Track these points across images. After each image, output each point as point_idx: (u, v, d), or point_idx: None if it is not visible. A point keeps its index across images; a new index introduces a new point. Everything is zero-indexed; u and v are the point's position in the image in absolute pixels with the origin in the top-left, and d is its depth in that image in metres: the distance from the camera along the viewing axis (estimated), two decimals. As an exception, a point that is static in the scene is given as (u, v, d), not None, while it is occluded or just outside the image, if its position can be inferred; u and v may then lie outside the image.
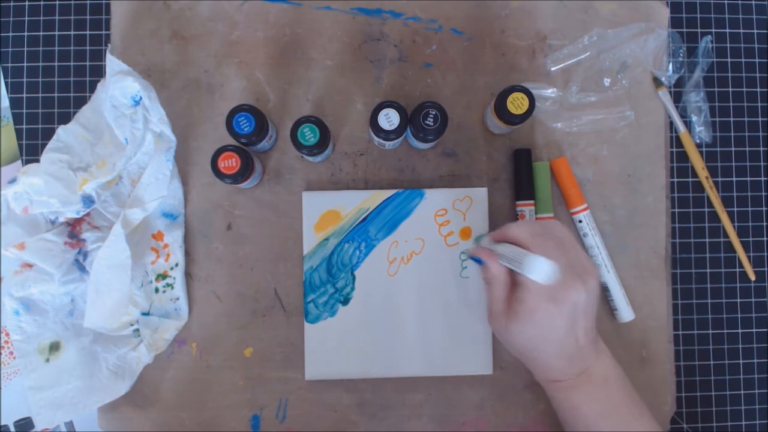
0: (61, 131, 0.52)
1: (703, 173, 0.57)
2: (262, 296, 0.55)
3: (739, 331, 0.58)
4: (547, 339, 0.44)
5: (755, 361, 0.58)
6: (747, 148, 0.59)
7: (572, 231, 0.56)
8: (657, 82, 0.57)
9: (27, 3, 0.57)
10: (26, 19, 0.57)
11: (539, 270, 0.40)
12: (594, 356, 0.45)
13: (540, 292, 0.42)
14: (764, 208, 0.59)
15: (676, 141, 0.58)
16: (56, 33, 0.57)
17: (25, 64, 0.57)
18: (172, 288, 0.54)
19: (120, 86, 0.51)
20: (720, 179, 0.58)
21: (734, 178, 0.59)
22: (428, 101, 0.49)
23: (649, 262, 0.56)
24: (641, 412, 0.46)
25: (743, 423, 0.58)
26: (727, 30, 0.59)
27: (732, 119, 0.59)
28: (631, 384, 0.47)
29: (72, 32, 0.57)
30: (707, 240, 0.58)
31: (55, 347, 0.53)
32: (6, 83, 0.57)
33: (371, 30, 0.56)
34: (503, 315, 0.45)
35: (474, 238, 0.54)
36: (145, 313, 0.54)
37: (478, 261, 0.47)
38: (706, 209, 0.58)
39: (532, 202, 0.54)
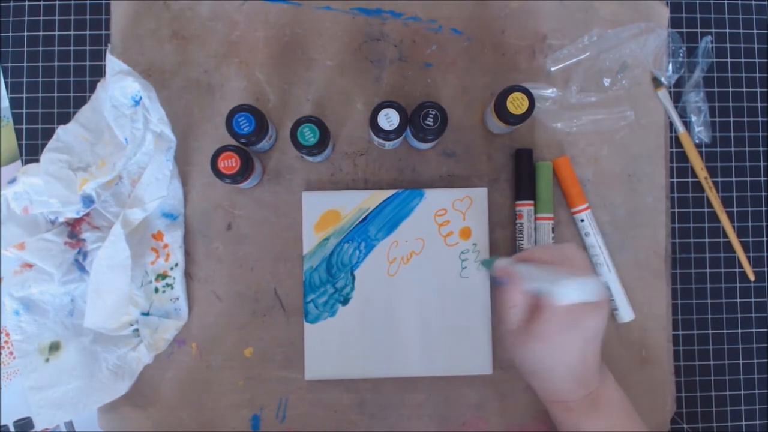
0: (61, 131, 0.52)
1: (702, 173, 0.57)
2: (262, 296, 0.55)
3: (739, 331, 0.58)
4: (559, 362, 0.44)
5: (755, 361, 0.58)
6: (747, 149, 0.59)
7: (573, 231, 0.56)
8: (657, 82, 0.57)
9: (27, 3, 0.57)
10: (26, 19, 0.57)
11: (581, 291, 0.40)
12: (599, 379, 0.46)
13: (559, 316, 0.43)
14: (764, 208, 0.59)
15: (675, 141, 0.58)
16: (56, 33, 0.57)
17: (25, 64, 0.57)
18: (172, 288, 0.54)
19: (120, 86, 0.51)
20: (719, 179, 0.58)
21: (734, 179, 0.59)
22: (428, 101, 0.49)
23: (649, 262, 0.56)
24: None
25: (743, 423, 0.58)
26: (727, 30, 0.59)
27: (732, 119, 0.59)
28: (632, 406, 0.47)
29: (72, 32, 0.57)
30: (707, 240, 0.58)
31: (55, 347, 0.53)
32: (6, 83, 0.57)
33: (371, 30, 0.56)
34: (519, 334, 0.45)
35: (486, 259, 0.53)
36: (145, 313, 0.54)
37: (500, 283, 0.47)
38: (706, 209, 0.58)
39: (531, 202, 0.54)
